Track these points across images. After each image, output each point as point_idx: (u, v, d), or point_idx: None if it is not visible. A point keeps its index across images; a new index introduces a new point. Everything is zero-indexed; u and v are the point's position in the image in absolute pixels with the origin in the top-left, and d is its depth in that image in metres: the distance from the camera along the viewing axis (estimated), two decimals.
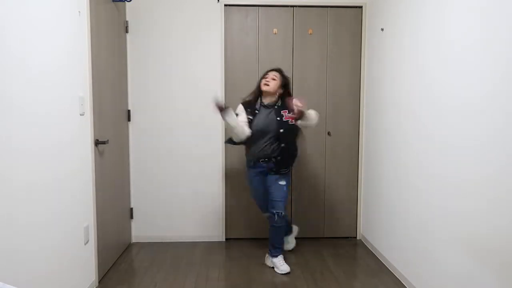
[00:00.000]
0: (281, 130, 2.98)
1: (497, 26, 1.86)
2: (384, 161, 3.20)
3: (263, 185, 3.11)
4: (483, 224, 1.97)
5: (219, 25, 3.54)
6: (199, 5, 3.52)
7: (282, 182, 3.04)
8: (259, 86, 3.09)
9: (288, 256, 3.24)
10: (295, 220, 3.74)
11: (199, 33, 3.55)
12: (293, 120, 2.96)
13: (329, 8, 3.59)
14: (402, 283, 2.85)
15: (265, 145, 3.01)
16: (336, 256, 3.36)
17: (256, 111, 3.06)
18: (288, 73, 3.59)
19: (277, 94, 3.06)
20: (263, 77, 3.10)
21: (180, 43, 3.55)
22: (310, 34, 3.60)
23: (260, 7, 3.57)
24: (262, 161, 3.04)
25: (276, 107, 3.04)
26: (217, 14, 3.53)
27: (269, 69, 3.14)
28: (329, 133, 3.68)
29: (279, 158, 3.00)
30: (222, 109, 2.85)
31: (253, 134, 3.01)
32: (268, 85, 3.02)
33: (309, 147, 3.69)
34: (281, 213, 3.03)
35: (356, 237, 3.79)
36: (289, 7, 3.57)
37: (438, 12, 2.38)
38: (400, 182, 2.92)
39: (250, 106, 3.08)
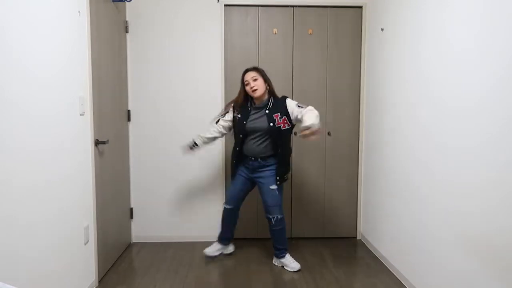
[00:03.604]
0: (273, 136, 2.93)
1: (497, 26, 1.86)
2: (384, 161, 3.20)
3: (243, 182, 3.13)
4: (483, 224, 1.97)
5: (219, 25, 3.54)
6: (199, 5, 3.53)
7: (273, 187, 3.02)
8: (245, 92, 3.00)
9: None
10: (296, 220, 3.75)
11: (199, 33, 3.55)
12: (286, 125, 2.91)
13: (329, 8, 3.59)
14: (402, 283, 2.85)
15: (256, 144, 2.98)
16: (336, 256, 3.36)
17: (250, 111, 3.00)
18: (288, 73, 3.62)
19: (266, 91, 2.99)
20: (243, 82, 3.00)
21: (180, 43, 3.55)
22: (310, 34, 3.60)
23: (260, 7, 3.57)
24: (250, 159, 3.04)
25: (267, 110, 2.95)
26: (217, 14, 3.53)
27: (243, 72, 3.03)
28: (329, 133, 3.68)
29: (271, 159, 3.01)
30: (192, 147, 3.13)
31: (243, 134, 3.00)
32: (256, 89, 2.92)
33: (309, 147, 3.69)
34: (277, 217, 3.04)
35: (356, 237, 3.79)
36: (289, 7, 3.57)
37: (438, 12, 2.38)
38: (400, 182, 2.92)
39: (241, 107, 3.04)
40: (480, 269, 2.00)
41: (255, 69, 3.02)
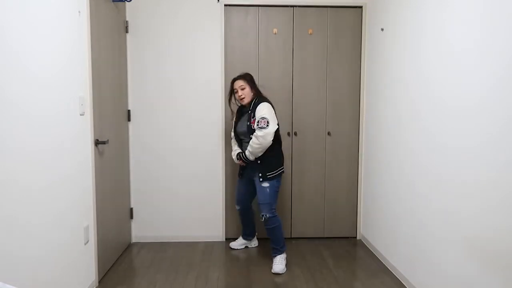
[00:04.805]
0: (250, 135, 3.02)
1: (497, 26, 1.87)
2: (384, 161, 3.20)
3: (244, 183, 3.30)
4: (483, 225, 1.97)
5: (219, 25, 3.54)
6: (199, 5, 3.52)
7: (265, 184, 3.05)
8: (236, 99, 3.17)
9: (288, 256, 3.23)
10: (296, 220, 3.75)
11: (199, 33, 3.55)
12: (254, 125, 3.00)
13: (329, 8, 3.59)
14: (402, 283, 2.85)
15: (248, 145, 3.08)
16: (336, 256, 3.36)
17: (242, 114, 3.19)
18: (288, 73, 3.62)
19: (253, 97, 3.09)
20: (232, 91, 3.13)
21: (180, 43, 3.55)
22: (310, 34, 3.60)
23: (260, 7, 3.57)
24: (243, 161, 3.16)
25: (249, 111, 3.06)
26: (217, 14, 3.53)
27: (231, 81, 3.14)
28: (329, 133, 3.68)
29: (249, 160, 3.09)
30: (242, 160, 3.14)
31: (238, 136, 3.21)
32: (243, 97, 3.07)
33: (309, 147, 3.69)
34: (266, 215, 3.05)
35: (356, 237, 3.79)
36: (289, 7, 3.57)
37: (438, 12, 2.38)
38: (400, 182, 2.92)
39: (237, 111, 3.25)
40: (480, 269, 2.00)
41: (243, 77, 3.12)
